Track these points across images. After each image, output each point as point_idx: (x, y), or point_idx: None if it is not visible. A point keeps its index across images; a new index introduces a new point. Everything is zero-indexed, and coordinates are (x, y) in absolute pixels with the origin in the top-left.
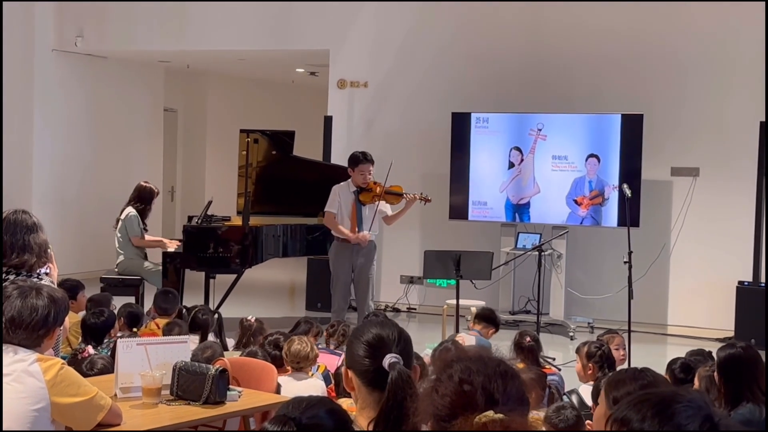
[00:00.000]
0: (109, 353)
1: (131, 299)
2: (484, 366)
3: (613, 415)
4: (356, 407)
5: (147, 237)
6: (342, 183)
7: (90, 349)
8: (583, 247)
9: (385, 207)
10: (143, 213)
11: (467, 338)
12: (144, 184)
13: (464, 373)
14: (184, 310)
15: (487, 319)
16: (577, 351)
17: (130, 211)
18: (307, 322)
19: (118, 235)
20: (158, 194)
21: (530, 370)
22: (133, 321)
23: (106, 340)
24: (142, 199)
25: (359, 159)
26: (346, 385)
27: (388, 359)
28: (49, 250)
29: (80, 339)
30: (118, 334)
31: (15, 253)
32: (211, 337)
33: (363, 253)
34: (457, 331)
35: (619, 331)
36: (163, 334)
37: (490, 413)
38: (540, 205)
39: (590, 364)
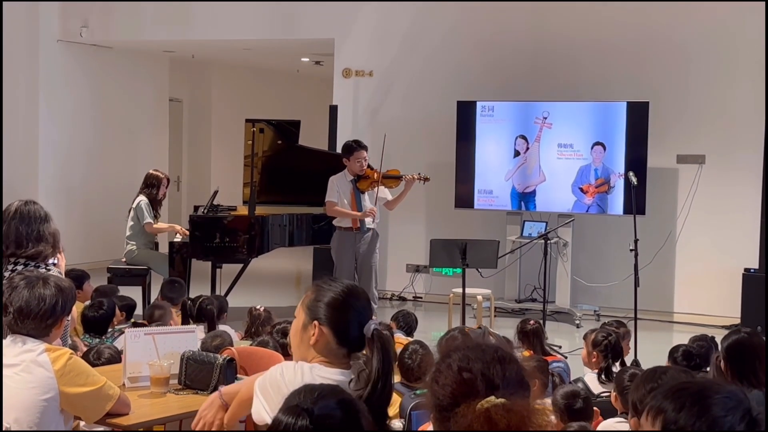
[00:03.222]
0: (113, 343)
1: (138, 289)
2: (482, 353)
3: (648, 403)
4: (315, 355)
5: (158, 224)
6: (338, 173)
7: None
8: (589, 235)
9: (385, 192)
10: (153, 200)
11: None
12: (151, 171)
13: (463, 361)
14: (189, 302)
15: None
16: (585, 337)
17: (141, 199)
18: None
19: (130, 223)
20: (168, 181)
21: (532, 359)
22: (128, 312)
23: (110, 330)
24: (149, 185)
25: (353, 147)
26: (317, 337)
27: (372, 325)
28: (60, 244)
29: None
30: (121, 326)
31: (30, 244)
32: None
33: (366, 242)
34: (463, 318)
35: (625, 318)
36: (146, 318)
37: (492, 398)
38: (546, 194)
39: (595, 352)
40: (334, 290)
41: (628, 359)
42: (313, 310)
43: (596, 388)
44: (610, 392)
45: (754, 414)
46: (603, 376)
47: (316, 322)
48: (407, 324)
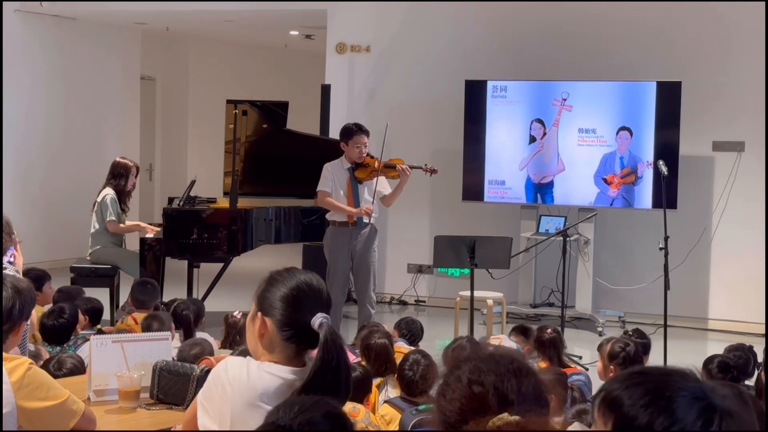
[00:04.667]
0: (76, 351)
1: (105, 291)
2: (495, 365)
3: (601, 393)
4: (263, 352)
5: (125, 223)
6: (334, 160)
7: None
8: (614, 231)
9: (384, 185)
10: (121, 193)
11: (506, 341)
12: (118, 159)
13: (473, 374)
14: (162, 306)
15: (525, 332)
16: (599, 348)
17: (107, 192)
18: None
19: (95, 219)
20: (137, 170)
21: (549, 371)
22: (94, 316)
23: (73, 337)
24: (116, 175)
25: (352, 131)
26: (259, 330)
27: (319, 318)
28: (13, 235)
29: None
30: (83, 333)
31: None
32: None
33: (362, 239)
34: (472, 325)
35: (653, 326)
36: (143, 330)
37: (505, 415)
38: (565, 185)
39: (612, 366)
40: (285, 281)
41: None
42: (260, 301)
43: None
44: None
45: (717, 404)
46: None
47: (260, 314)
48: (411, 332)
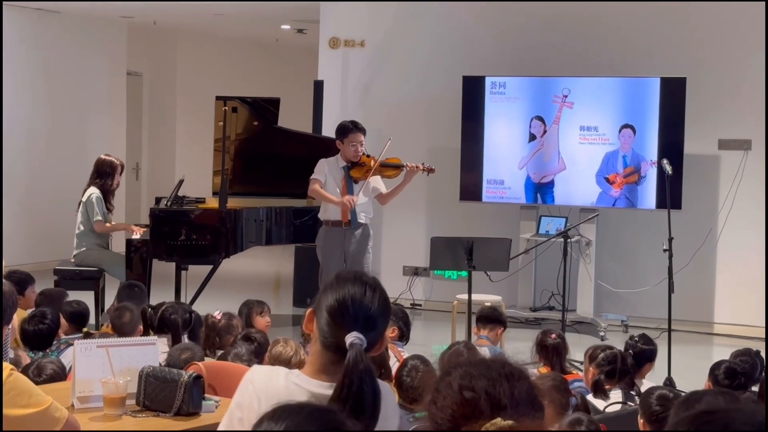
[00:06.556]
0: (59, 356)
1: (90, 294)
2: (486, 369)
3: None
4: (309, 359)
5: (111, 222)
6: (330, 157)
7: None
8: (616, 232)
9: (378, 183)
10: (107, 192)
11: (480, 350)
12: (103, 157)
13: (464, 379)
14: (150, 310)
15: (492, 319)
16: (585, 354)
17: (93, 192)
18: (246, 304)
19: (80, 219)
20: (122, 168)
21: (548, 377)
22: (78, 320)
23: (55, 342)
24: (102, 174)
25: (349, 128)
26: (306, 325)
27: (351, 338)
28: None
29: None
30: (66, 337)
31: None
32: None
33: (355, 240)
34: (469, 330)
35: (657, 330)
36: (112, 323)
37: (498, 420)
38: (566, 184)
39: (591, 368)
40: (336, 289)
41: (660, 377)
42: (317, 299)
43: (602, 405)
44: (622, 403)
45: None
46: (596, 389)
47: (311, 310)
48: (396, 317)
